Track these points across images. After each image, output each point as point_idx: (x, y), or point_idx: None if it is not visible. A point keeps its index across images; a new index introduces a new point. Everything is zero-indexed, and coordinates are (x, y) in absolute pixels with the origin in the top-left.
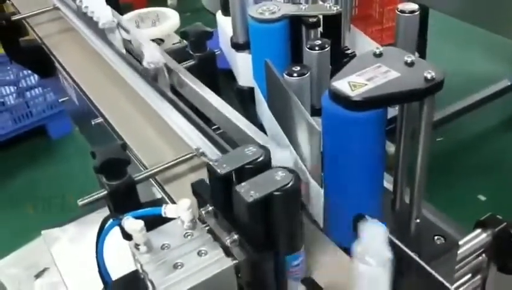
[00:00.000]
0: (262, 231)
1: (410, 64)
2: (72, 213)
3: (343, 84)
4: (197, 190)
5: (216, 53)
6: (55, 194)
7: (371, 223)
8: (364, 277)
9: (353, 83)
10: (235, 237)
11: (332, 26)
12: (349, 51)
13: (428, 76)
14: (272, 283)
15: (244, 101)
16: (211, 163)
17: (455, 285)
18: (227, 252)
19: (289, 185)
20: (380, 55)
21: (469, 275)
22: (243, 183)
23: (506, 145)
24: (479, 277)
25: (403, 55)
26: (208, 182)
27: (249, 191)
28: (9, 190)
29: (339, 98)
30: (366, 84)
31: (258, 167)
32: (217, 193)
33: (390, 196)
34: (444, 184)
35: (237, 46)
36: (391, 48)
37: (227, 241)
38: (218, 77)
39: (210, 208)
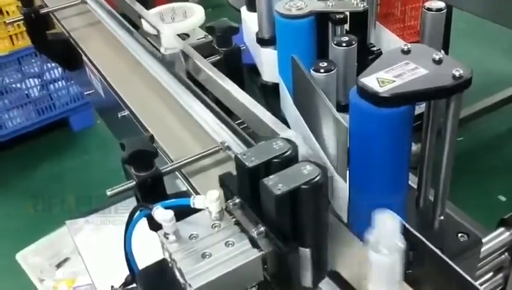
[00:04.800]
0: (289, 224)
1: (439, 62)
2: (96, 203)
3: (371, 80)
4: (225, 182)
5: (242, 48)
6: (78, 186)
7: (385, 213)
8: (376, 265)
9: (381, 79)
10: (262, 229)
11: (359, 23)
12: (374, 48)
13: (457, 74)
14: (296, 274)
15: (268, 96)
16: (239, 156)
17: (477, 283)
18: (254, 244)
19: (316, 178)
20: (408, 52)
21: (491, 273)
22: (270, 176)
23: None
24: (500, 275)
25: (431, 52)
26: (235, 174)
27: (277, 184)
28: (32, 181)
29: (367, 93)
30: (394, 81)
31: (285, 161)
32: (244, 185)
33: (414, 193)
34: (464, 184)
35: (262, 42)
36: (419, 45)
37: (254, 233)
38: (243, 71)
39: (237, 200)
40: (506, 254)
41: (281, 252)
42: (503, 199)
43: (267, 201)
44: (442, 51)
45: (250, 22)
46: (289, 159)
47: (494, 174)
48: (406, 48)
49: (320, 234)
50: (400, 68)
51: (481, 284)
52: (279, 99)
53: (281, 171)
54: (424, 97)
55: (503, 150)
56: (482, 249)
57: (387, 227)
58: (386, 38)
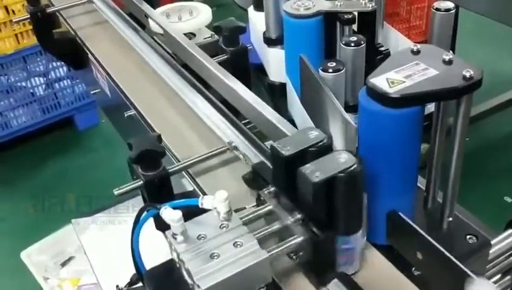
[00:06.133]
0: (325, 212)
1: (449, 62)
2: (101, 202)
3: (381, 80)
4: (259, 171)
5: (249, 48)
6: (83, 185)
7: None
8: None
9: (391, 79)
10: (299, 216)
11: (367, 22)
12: (382, 48)
13: (467, 74)
14: (331, 263)
15: (275, 96)
16: (274, 145)
17: None
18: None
19: (353, 167)
20: (417, 52)
21: (499, 276)
22: (307, 165)
23: None
24: (508, 277)
25: (441, 53)
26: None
27: (314, 172)
28: (37, 180)
29: (376, 94)
30: (404, 82)
31: (320, 150)
32: (279, 174)
33: (422, 194)
34: (469, 185)
35: (270, 42)
36: (429, 46)
37: (290, 221)
38: (250, 71)
39: (272, 189)
40: None
41: (318, 239)
42: (509, 200)
43: (304, 189)
44: (451, 52)
45: (257, 22)
46: (325, 148)
47: (499, 175)
48: (415, 49)
49: (355, 221)
50: (409, 69)
51: None
52: (286, 100)
53: (317, 160)
54: (435, 98)
55: (509, 151)
56: (490, 251)
57: None
58: (394, 38)
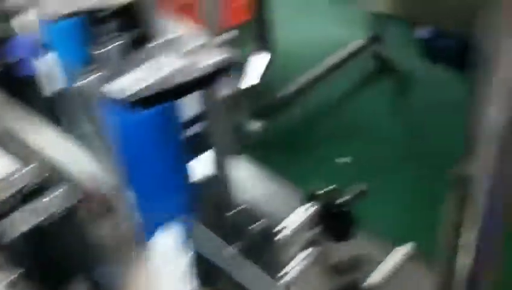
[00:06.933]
0: (38, 263)
1: (195, 52)
2: None
3: (118, 86)
4: None
5: (19, 60)
6: None
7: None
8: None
9: (130, 82)
10: (15, 275)
11: (129, 17)
12: (154, 40)
13: (213, 61)
14: None
15: (52, 110)
16: None
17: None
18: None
19: (65, 208)
20: (163, 45)
21: (304, 249)
22: (7, 217)
23: (364, 107)
24: (312, 249)
25: (193, 41)
26: None
27: (15, 224)
28: None
29: (113, 101)
30: (143, 82)
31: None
32: None
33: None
34: (304, 152)
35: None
36: (188, 34)
37: (9, 280)
38: (22, 85)
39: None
40: (314, 228)
41: None
42: (341, 160)
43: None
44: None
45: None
46: (37, 189)
47: (334, 137)
48: (159, 42)
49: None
50: (151, 66)
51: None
52: (67, 111)
53: (21, 208)
54: (179, 93)
55: (342, 113)
56: (289, 228)
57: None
58: (170, 27)
